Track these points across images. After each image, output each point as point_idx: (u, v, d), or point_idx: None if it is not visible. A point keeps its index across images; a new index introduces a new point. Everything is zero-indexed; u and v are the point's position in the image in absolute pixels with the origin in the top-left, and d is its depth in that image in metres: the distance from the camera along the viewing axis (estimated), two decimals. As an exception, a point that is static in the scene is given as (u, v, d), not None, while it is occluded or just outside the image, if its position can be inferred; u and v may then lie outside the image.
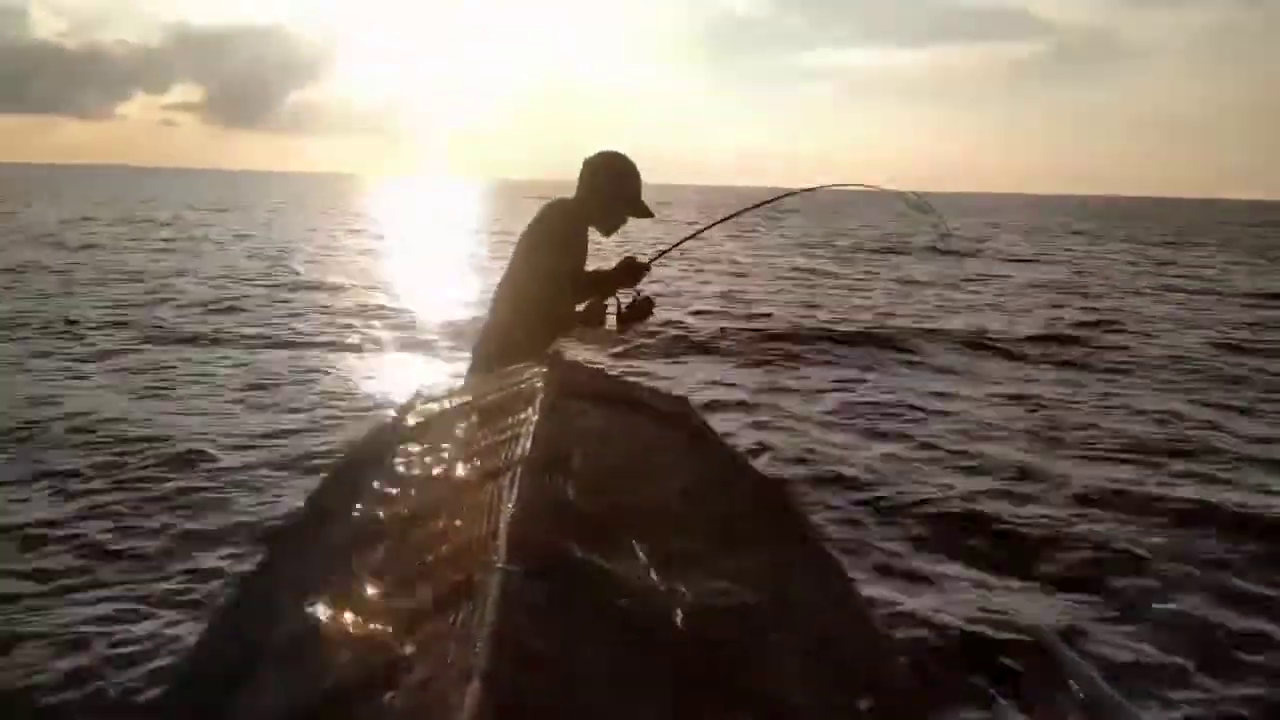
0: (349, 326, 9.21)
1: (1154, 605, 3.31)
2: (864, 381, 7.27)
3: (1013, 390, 6.96)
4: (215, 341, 8.07)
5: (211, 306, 10.21)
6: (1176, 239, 31.02)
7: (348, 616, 0.94)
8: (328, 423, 5.42)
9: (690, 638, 0.96)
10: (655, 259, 3.38)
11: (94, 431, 4.97)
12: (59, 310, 9.41)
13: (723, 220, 4.03)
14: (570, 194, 3.12)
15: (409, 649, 0.82)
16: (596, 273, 3.24)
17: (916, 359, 8.35)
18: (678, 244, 3.77)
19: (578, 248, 3.10)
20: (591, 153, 3.13)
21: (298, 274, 13.87)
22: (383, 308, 10.65)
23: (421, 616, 0.87)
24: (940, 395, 6.75)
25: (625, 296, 3.23)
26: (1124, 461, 5.11)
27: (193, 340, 8.09)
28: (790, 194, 4.22)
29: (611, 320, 3.24)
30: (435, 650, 0.79)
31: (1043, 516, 4.17)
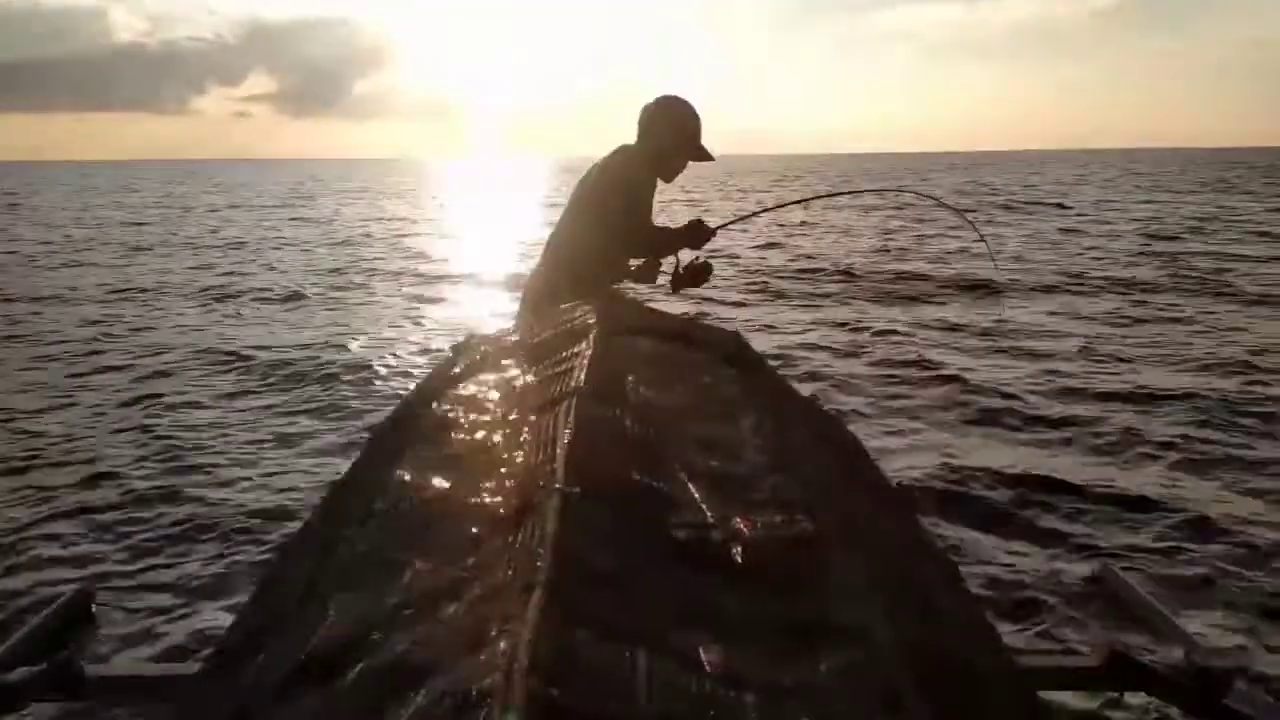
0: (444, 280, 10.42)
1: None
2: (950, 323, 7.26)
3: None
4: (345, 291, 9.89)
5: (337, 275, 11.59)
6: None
7: (410, 538, 0.96)
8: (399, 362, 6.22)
9: (747, 562, 0.96)
10: (724, 225, 3.35)
11: (251, 358, 6.48)
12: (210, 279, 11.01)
13: (793, 203, 4.19)
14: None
15: (471, 566, 0.83)
16: (664, 228, 3.21)
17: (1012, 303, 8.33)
18: (749, 215, 3.77)
19: (643, 189, 3.06)
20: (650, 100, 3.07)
21: (404, 245, 15.31)
22: (451, 273, 11.76)
23: (483, 537, 0.88)
24: (1030, 332, 6.73)
25: (686, 258, 3.20)
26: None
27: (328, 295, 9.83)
28: (860, 191, 4.42)
29: (666, 279, 3.22)
30: (498, 565, 0.80)
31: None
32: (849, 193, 6.30)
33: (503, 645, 0.67)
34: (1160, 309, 7.88)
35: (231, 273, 11.89)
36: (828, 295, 8.27)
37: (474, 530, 0.91)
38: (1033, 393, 5.18)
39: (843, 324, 6.92)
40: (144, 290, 10.26)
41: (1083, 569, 2.98)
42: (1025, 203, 21.54)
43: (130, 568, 3.09)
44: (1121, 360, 5.98)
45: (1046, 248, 12.58)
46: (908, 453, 4.23)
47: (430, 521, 0.99)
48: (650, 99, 3.04)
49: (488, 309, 8.58)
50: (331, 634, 0.86)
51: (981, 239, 4.08)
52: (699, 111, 3.02)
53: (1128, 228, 15.11)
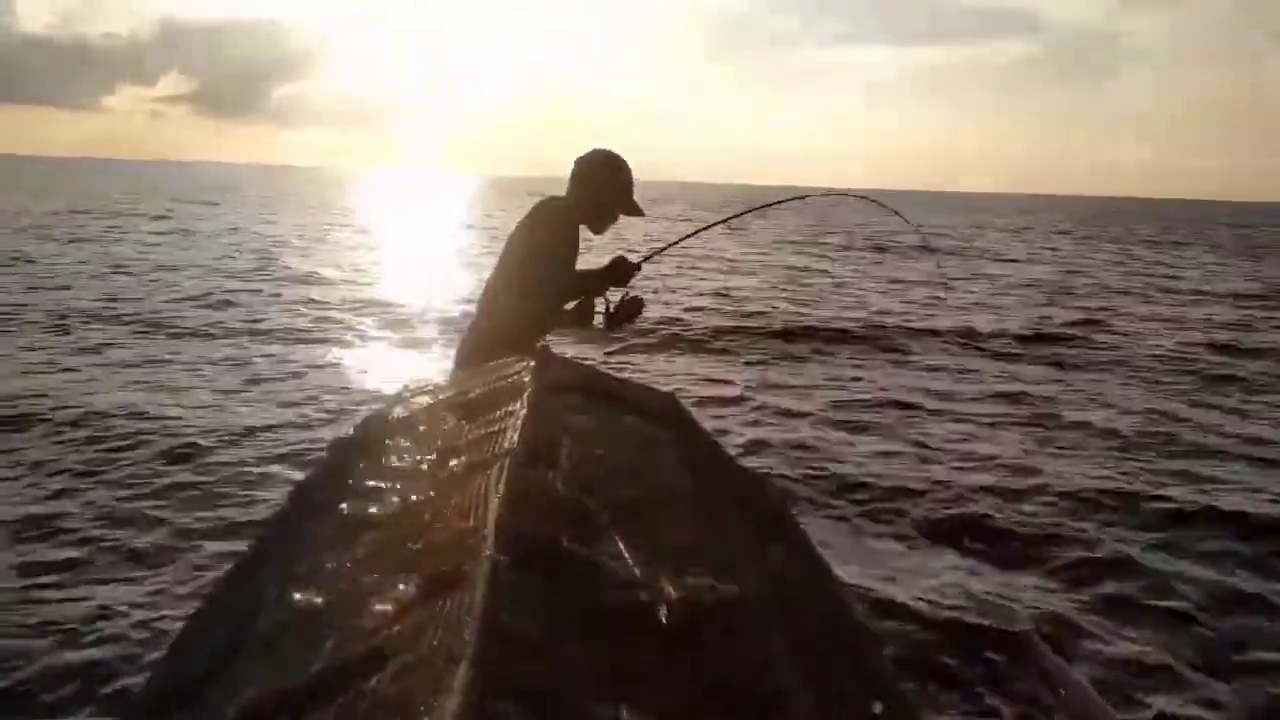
0: (339, 322, 9.27)
1: (1141, 603, 3.35)
2: (857, 380, 7.32)
3: (1002, 388, 7.02)
4: (208, 336, 8.07)
5: (202, 302, 10.21)
6: (1161, 239, 31.29)
7: (333, 604, 0.94)
8: (316, 417, 5.45)
9: (677, 629, 0.96)
10: (647, 258, 3.37)
11: (85, 425, 4.97)
12: (50, 303, 9.38)
13: (715, 224, 4.04)
14: (561, 190, 3.12)
15: (396, 635, 0.82)
16: (586, 271, 3.24)
17: (907, 356, 8.42)
18: (670, 245, 3.78)
19: (569, 247, 3.09)
20: (583, 150, 3.13)
21: (288, 268, 13.87)
22: (372, 302, 10.72)
23: (409, 605, 0.87)
24: (931, 393, 6.80)
25: (615, 295, 3.22)
26: (1113, 459, 5.16)
27: (186, 334, 8.10)
28: (779, 203, 4.30)
29: (600, 319, 3.24)
30: (423, 636, 0.79)
31: (1031, 513, 4.20)
32: (778, 203, 4.39)
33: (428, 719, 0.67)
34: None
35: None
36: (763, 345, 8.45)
37: (400, 597, 0.90)
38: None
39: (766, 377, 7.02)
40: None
41: (1007, 633, 3.04)
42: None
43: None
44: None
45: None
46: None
47: (354, 586, 0.97)
48: (584, 149, 3.11)
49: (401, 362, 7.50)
50: (249, 704, 0.83)
51: (917, 229, 4.07)
52: (629, 165, 3.09)
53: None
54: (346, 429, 2.09)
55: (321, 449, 4.40)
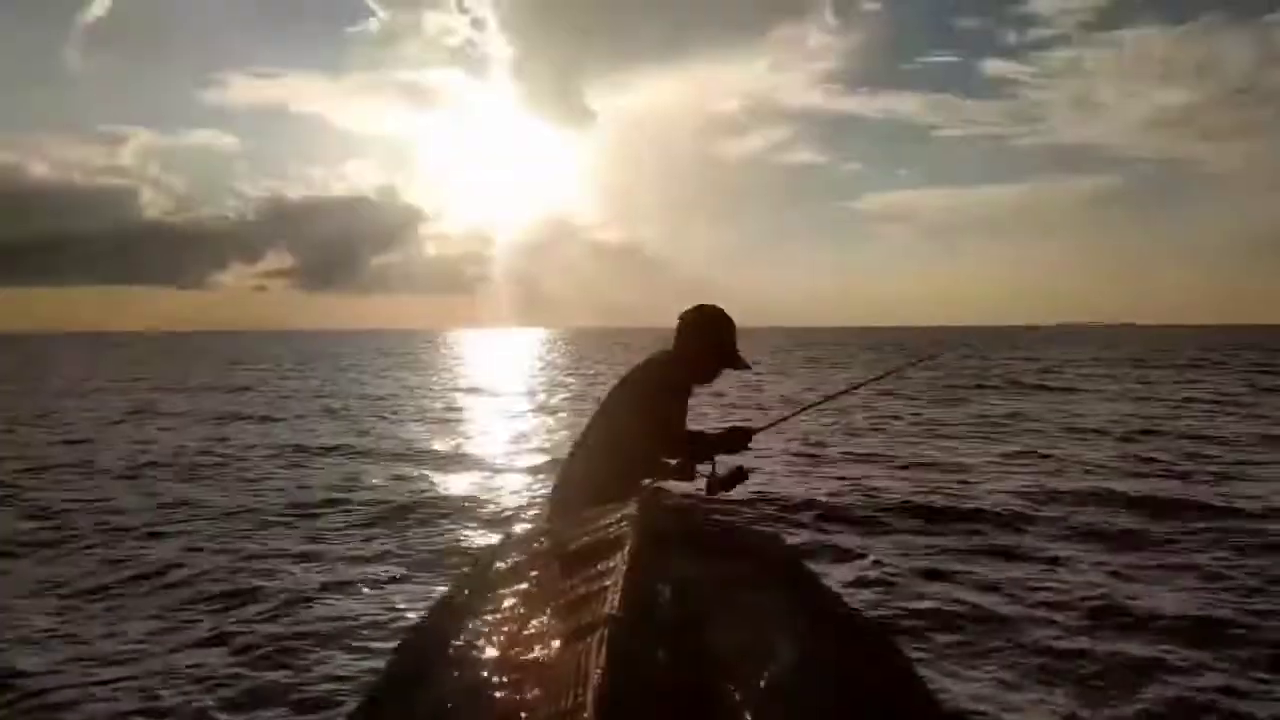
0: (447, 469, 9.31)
1: None
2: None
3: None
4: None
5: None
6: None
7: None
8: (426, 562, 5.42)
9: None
10: (765, 429, 3.35)
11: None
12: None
13: (839, 395, 4.04)
14: (665, 344, 3.16)
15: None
16: (702, 434, 3.23)
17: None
18: (788, 417, 3.78)
19: (678, 399, 3.12)
20: (686, 308, 3.18)
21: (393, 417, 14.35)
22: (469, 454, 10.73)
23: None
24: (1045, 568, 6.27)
25: (722, 463, 3.19)
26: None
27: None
28: (910, 365, 4.30)
29: (702, 483, 3.20)
30: None
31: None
32: (890, 374, 4.42)
33: None
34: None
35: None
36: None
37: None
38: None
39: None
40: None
41: None
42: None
43: None
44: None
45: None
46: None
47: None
48: (688, 307, 3.14)
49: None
50: None
51: None
52: (731, 319, 3.12)
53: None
54: (447, 586, 2.05)
55: (427, 603, 4.34)
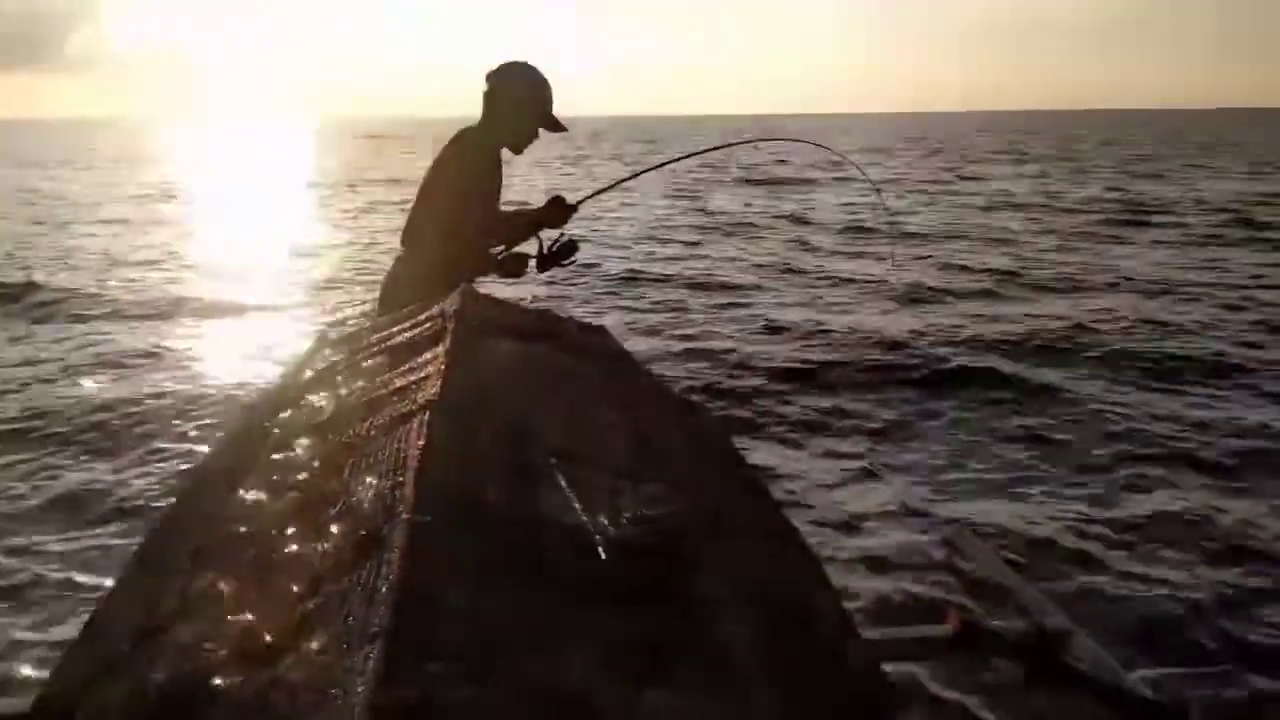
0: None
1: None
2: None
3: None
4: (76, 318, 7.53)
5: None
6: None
7: (248, 578, 0.87)
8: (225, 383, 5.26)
9: (619, 575, 0.93)
10: (585, 199, 3.26)
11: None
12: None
13: (653, 168, 3.93)
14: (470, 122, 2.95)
15: (310, 611, 0.76)
16: (519, 212, 3.12)
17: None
18: (608, 187, 3.68)
19: (492, 179, 2.95)
20: (491, 67, 2.94)
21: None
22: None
23: (324, 576, 0.81)
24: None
25: (548, 237, 3.12)
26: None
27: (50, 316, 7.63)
28: (719, 147, 4.23)
29: (532, 262, 3.14)
30: (338, 611, 0.74)
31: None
32: (704, 151, 4.16)
33: (345, 704, 0.62)
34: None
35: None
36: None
37: (314, 569, 0.84)
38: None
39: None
40: None
41: (937, 535, 3.11)
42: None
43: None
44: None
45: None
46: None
47: (266, 560, 0.90)
48: (491, 65, 2.90)
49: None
50: (159, 689, 0.77)
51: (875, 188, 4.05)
52: (544, 74, 2.92)
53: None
54: (264, 385, 1.98)
55: (239, 406, 4.27)
